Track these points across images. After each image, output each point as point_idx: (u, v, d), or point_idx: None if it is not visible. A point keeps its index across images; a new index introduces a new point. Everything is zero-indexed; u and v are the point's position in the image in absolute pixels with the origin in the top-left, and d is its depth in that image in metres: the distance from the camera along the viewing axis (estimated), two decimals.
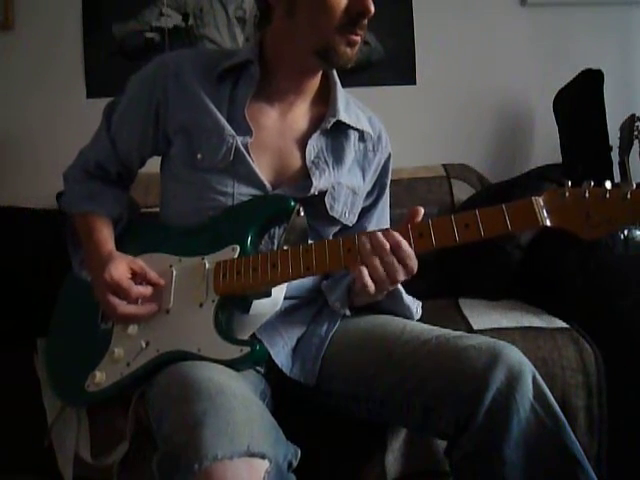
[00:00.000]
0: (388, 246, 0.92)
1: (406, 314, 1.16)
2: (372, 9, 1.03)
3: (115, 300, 1.03)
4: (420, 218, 0.95)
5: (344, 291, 1.14)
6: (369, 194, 1.24)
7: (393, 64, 2.19)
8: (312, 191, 1.10)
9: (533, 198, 0.88)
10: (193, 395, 0.83)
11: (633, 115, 1.95)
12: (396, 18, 2.17)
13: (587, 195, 0.86)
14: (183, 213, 1.14)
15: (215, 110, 1.10)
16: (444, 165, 2.05)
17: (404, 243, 0.93)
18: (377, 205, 1.26)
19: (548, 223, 0.87)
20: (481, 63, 2.22)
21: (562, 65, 2.11)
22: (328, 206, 1.13)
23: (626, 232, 1.43)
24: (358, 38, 1.05)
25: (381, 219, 1.26)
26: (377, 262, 0.93)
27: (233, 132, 1.09)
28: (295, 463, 0.84)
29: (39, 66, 2.12)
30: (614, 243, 1.45)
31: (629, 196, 0.84)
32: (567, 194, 0.87)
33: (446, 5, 2.20)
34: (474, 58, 2.22)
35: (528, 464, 0.89)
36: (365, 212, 1.23)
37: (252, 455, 0.76)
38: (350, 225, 1.19)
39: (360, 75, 2.12)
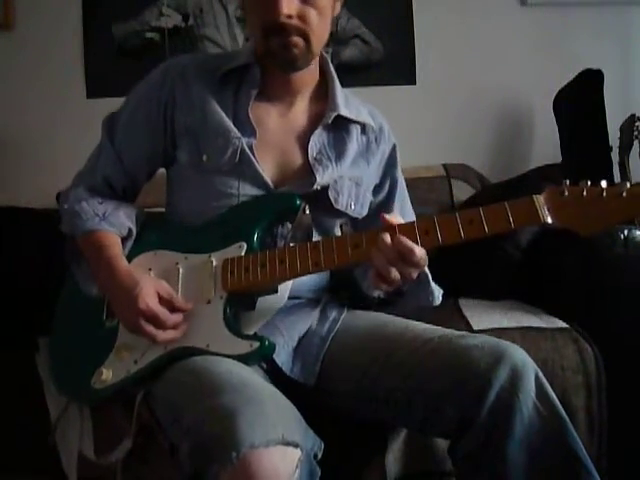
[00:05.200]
0: (399, 255, 0.92)
1: (428, 298, 1.15)
2: (281, 14, 1.00)
3: (152, 329, 0.99)
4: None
5: None
6: (379, 188, 1.24)
7: (393, 64, 2.19)
8: (315, 187, 1.11)
9: (534, 196, 0.91)
10: (219, 388, 0.84)
11: (633, 115, 1.96)
12: (396, 18, 2.17)
13: (585, 193, 0.90)
14: (188, 214, 1.15)
15: (221, 112, 1.11)
16: (444, 165, 2.05)
17: (417, 249, 0.92)
18: (393, 199, 1.25)
19: (549, 220, 0.90)
20: (481, 63, 2.22)
21: (562, 65, 2.11)
22: (332, 200, 1.14)
23: (626, 232, 1.43)
24: (291, 39, 1.04)
25: (403, 210, 1.25)
26: (393, 270, 0.93)
27: (239, 134, 1.09)
28: (319, 455, 0.84)
29: (39, 66, 2.12)
30: (614, 243, 1.44)
31: (624, 194, 0.88)
32: (566, 192, 0.90)
33: (446, 5, 2.20)
34: (474, 58, 2.22)
35: (531, 462, 0.90)
36: (383, 207, 1.23)
37: (287, 444, 0.78)
38: (358, 217, 1.19)
39: (360, 75, 2.13)
